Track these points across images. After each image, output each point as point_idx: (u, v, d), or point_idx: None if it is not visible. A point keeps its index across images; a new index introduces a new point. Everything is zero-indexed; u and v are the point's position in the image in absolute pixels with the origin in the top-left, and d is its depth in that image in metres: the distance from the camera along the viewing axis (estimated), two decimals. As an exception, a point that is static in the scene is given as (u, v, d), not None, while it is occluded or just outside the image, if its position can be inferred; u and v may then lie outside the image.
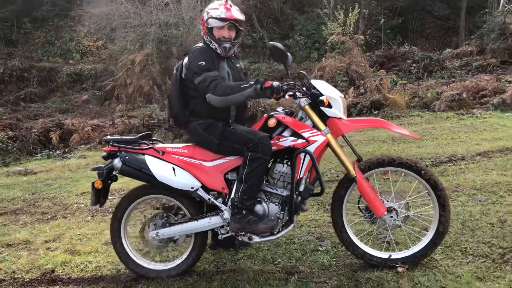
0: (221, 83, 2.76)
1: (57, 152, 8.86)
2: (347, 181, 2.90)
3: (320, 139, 2.76)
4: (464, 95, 8.73)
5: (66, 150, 8.93)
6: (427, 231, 2.94)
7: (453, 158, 5.40)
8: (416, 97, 9.67)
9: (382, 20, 21.43)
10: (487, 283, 2.63)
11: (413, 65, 16.31)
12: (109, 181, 3.08)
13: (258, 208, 2.84)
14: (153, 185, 2.96)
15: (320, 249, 3.30)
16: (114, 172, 3.05)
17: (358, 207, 2.99)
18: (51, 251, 3.80)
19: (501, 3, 20.10)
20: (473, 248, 3.05)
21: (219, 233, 2.95)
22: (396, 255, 2.90)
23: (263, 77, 14.83)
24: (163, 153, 2.97)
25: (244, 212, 2.79)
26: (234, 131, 2.88)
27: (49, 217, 4.85)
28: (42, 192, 5.89)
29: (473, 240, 3.18)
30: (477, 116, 7.85)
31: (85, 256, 3.63)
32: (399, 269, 2.82)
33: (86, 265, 3.46)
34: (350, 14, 12.51)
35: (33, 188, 6.17)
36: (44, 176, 6.92)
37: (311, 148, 2.75)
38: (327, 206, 4.17)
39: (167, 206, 3.12)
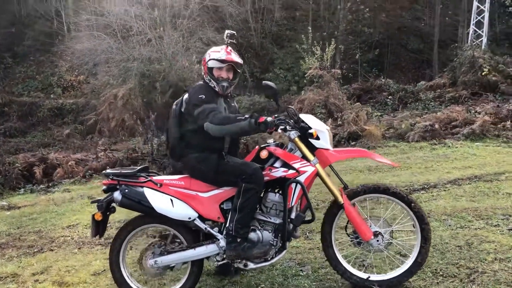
0: (219, 113, 2.98)
1: (41, 186, 8.88)
2: (335, 206, 3.11)
3: (309, 169, 2.99)
4: (437, 126, 9.18)
5: (50, 184, 8.96)
6: (406, 258, 3.15)
7: (426, 186, 5.70)
8: (391, 128, 10.11)
9: (358, 54, 22.28)
10: (454, 301, 2.85)
11: (389, 97, 16.93)
12: (108, 213, 3.23)
13: (253, 235, 3.03)
14: (152, 216, 3.13)
15: (301, 273, 3.49)
16: (113, 204, 3.20)
17: (346, 231, 3.20)
18: (40, 283, 3.89)
19: (469, 38, 21.17)
20: (443, 269, 3.29)
21: (215, 260, 3.11)
22: (374, 277, 3.11)
23: (256, 111, 15.17)
24: (161, 185, 3.14)
25: (239, 240, 2.97)
26: (228, 163, 3.09)
27: (35, 250, 4.92)
28: (27, 226, 5.94)
29: (443, 262, 3.41)
30: (449, 146, 8.25)
31: (73, 287, 3.72)
32: (375, 291, 3.02)
33: (75, 296, 3.56)
34: (327, 49, 13.06)
35: (18, 222, 6.21)
36: (29, 210, 6.95)
37: (302, 178, 2.97)
38: (307, 234, 4.37)
39: (164, 235, 3.28)
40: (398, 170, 6.86)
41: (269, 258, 3.05)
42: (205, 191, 3.13)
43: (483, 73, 15.62)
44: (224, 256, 3.06)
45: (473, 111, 10.96)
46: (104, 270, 4.04)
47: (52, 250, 4.87)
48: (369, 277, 3.11)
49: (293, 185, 2.99)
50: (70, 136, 17.16)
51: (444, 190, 5.46)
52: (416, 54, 25.29)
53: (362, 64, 23.13)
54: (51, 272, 4.13)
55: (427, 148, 8.52)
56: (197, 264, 3.18)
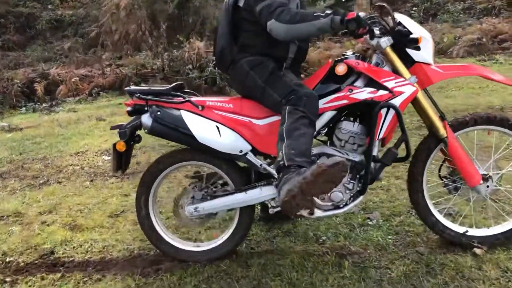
0: (290, 9, 2.16)
1: (44, 105, 8.12)
2: (432, 140, 2.37)
3: (408, 90, 2.19)
4: (484, 39, 8.10)
5: (53, 103, 8.19)
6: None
7: (490, 109, 4.88)
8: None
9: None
10: None
11: (413, 8, 15.50)
12: (132, 142, 2.49)
13: None
14: (192, 148, 2.44)
15: (370, 223, 2.80)
16: (138, 132, 2.49)
17: (439, 174, 2.49)
18: (48, 225, 3.26)
19: None
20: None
21: (270, 206, 2.41)
22: (473, 231, 2.42)
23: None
24: (203, 108, 2.38)
25: (293, 169, 2.17)
26: (281, 78, 2.30)
27: (41, 181, 4.27)
28: (31, 152, 5.26)
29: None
30: (501, 62, 7.29)
31: (88, 232, 3.09)
32: (477, 251, 2.34)
33: (91, 244, 2.93)
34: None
35: (20, 147, 5.52)
36: (31, 132, 6.25)
37: (397, 102, 2.18)
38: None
39: (199, 175, 2.57)
40: (450, 91, 5.99)
41: (341, 205, 2.34)
42: (261, 117, 2.36)
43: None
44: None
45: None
46: (123, 211, 3.39)
47: (60, 182, 4.22)
48: (466, 231, 2.42)
49: (383, 111, 2.20)
50: (71, 49, 16.10)
51: (512, 115, 4.65)
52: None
53: (385, -28, 21.17)
54: (61, 212, 3.49)
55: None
56: (247, 211, 2.49)
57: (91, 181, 4.16)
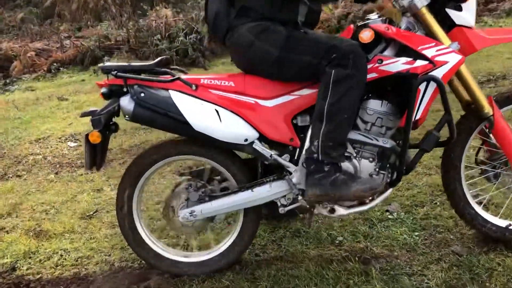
0: None
1: (-4, 84, 7.35)
2: (474, 119, 1.98)
3: (452, 59, 1.76)
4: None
5: (8, 81, 7.40)
6: None
7: (491, 77, 4.57)
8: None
9: None
10: None
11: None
12: (108, 132, 1.99)
13: (346, 165, 1.88)
14: (184, 136, 1.99)
15: (390, 217, 2.43)
16: (114, 120, 2.00)
17: (476, 158, 2.12)
18: (7, 232, 2.76)
19: None
20: None
21: (280, 204, 1.99)
22: (516, 225, 2.08)
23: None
24: (197, 87, 1.90)
25: (327, 168, 1.81)
26: (306, 37, 1.84)
27: (-4, 176, 3.70)
28: (-17, 140, 4.63)
29: None
30: (490, 25, 6.99)
31: (57, 240, 2.61)
32: (523, 248, 2.01)
33: (62, 255, 2.46)
34: None
35: (-29, 134, 4.87)
36: (-18, 116, 5.57)
37: (439, 73, 1.75)
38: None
39: (196, 171, 2.11)
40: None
41: (367, 200, 1.94)
42: (269, 97, 1.90)
43: None
44: (298, 197, 1.94)
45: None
46: (97, 211, 2.91)
47: (19, 176, 3.67)
48: (509, 225, 2.07)
49: (423, 86, 1.79)
50: (25, 21, 14.84)
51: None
52: None
53: None
54: (22, 214, 2.98)
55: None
56: (253, 213, 2.06)
57: (56, 173, 3.63)
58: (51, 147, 4.22)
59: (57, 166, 3.77)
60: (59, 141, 4.34)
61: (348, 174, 1.85)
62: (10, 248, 2.55)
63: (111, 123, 2.00)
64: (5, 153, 4.19)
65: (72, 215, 2.87)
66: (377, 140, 1.87)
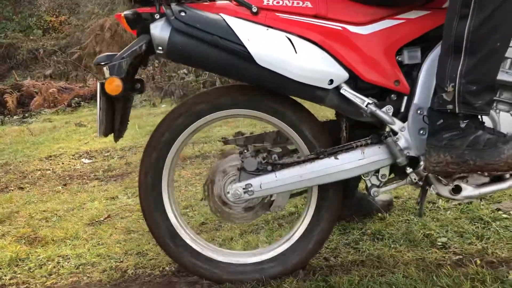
0: None
1: (15, 117, 7.01)
2: None
3: None
4: None
5: (26, 114, 7.07)
6: None
7: None
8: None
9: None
10: None
11: None
12: (132, 76, 1.43)
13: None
14: (240, 79, 1.43)
15: (505, 216, 1.77)
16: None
17: None
18: (-5, 240, 2.17)
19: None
20: None
21: (370, 184, 1.38)
22: None
23: None
24: (258, 10, 1.35)
25: (464, 124, 1.21)
26: None
27: (-3, 189, 3.16)
28: (-12, 159, 4.14)
29: None
30: None
31: (55, 246, 2.00)
32: None
33: (58, 263, 1.85)
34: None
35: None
36: (-5, 141, 5.13)
37: None
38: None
39: (253, 137, 1.53)
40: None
41: (507, 175, 1.31)
42: (363, 22, 1.34)
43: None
44: (407, 169, 1.34)
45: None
46: (109, 216, 2.31)
47: (22, 188, 3.12)
48: None
49: None
50: (53, 75, 15.15)
51: None
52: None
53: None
54: (17, 222, 2.40)
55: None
56: (333, 194, 1.45)
57: (64, 185, 3.07)
58: (62, 163, 3.69)
59: (67, 178, 3.22)
60: (72, 158, 3.82)
61: (494, 131, 1.26)
62: (-6, 256, 1.96)
63: (134, 78, 1.48)
64: (10, 169, 3.67)
65: (77, 222, 2.28)
66: None
